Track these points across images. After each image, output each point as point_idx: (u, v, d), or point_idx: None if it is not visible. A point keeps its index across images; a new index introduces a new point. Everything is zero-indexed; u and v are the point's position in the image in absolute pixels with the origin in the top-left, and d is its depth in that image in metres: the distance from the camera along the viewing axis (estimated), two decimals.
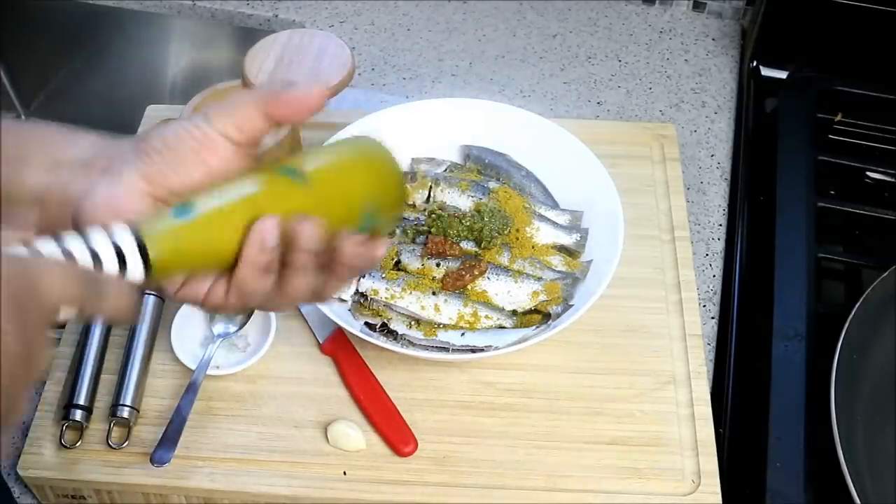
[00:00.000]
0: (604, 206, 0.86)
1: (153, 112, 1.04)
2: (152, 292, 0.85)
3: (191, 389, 0.79)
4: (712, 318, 0.91)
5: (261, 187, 0.51)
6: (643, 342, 0.85)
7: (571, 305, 0.82)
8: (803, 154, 0.99)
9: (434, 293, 0.82)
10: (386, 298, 0.82)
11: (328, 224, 0.51)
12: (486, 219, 0.84)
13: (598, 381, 0.82)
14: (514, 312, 0.83)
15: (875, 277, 0.84)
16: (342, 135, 0.85)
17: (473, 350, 0.80)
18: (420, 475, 0.77)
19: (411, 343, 0.81)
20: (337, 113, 0.99)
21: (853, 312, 0.81)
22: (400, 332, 0.81)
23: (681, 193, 0.96)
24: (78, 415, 0.79)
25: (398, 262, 0.85)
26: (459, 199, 0.89)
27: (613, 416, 0.80)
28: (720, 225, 0.99)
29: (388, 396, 0.81)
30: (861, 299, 0.82)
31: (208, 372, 0.81)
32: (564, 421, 0.80)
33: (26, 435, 0.79)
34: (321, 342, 0.85)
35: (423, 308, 0.81)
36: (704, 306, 0.91)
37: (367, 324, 0.82)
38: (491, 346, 0.80)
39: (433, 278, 0.83)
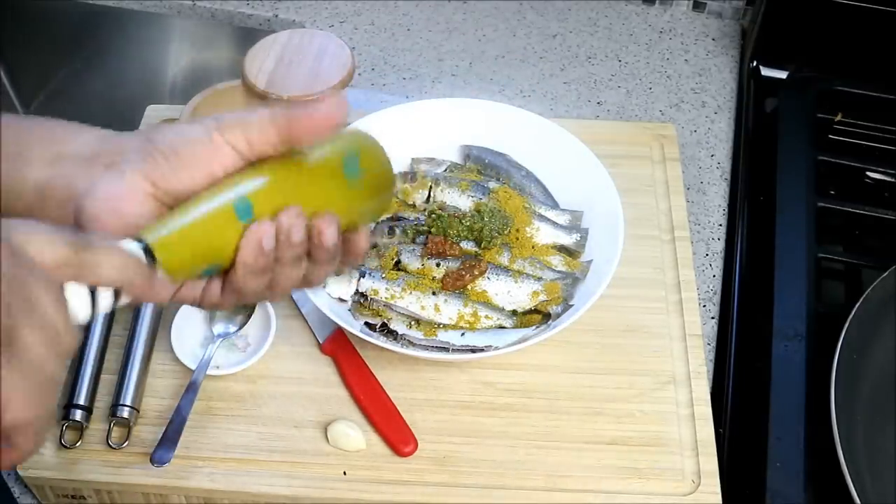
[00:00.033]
0: (604, 206, 0.86)
1: (153, 112, 1.04)
2: None
3: (191, 389, 0.79)
4: (712, 318, 0.91)
5: (258, 185, 0.51)
6: (643, 342, 0.85)
7: (571, 305, 0.82)
8: (803, 154, 0.99)
9: (434, 293, 0.82)
10: (386, 298, 0.82)
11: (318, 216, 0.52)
12: (486, 219, 0.84)
13: (598, 381, 0.82)
14: (514, 312, 0.83)
15: (875, 277, 0.84)
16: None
17: (473, 350, 0.80)
18: (420, 475, 0.77)
19: (411, 343, 0.81)
20: None
21: (853, 312, 0.81)
22: (400, 332, 0.81)
23: (681, 193, 0.96)
24: (78, 415, 0.79)
25: (398, 262, 0.85)
26: (459, 199, 0.89)
27: (613, 416, 0.80)
28: (720, 225, 0.99)
29: (388, 396, 0.81)
30: (861, 299, 0.82)
31: (208, 372, 0.81)
32: (564, 421, 0.80)
33: None
34: (321, 342, 0.85)
35: (423, 308, 0.81)
36: (704, 306, 0.91)
37: (367, 324, 0.82)
38: (491, 346, 0.80)
39: (433, 278, 0.83)
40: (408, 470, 0.77)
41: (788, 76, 1.10)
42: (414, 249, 0.85)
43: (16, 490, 0.79)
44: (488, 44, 1.19)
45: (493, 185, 0.90)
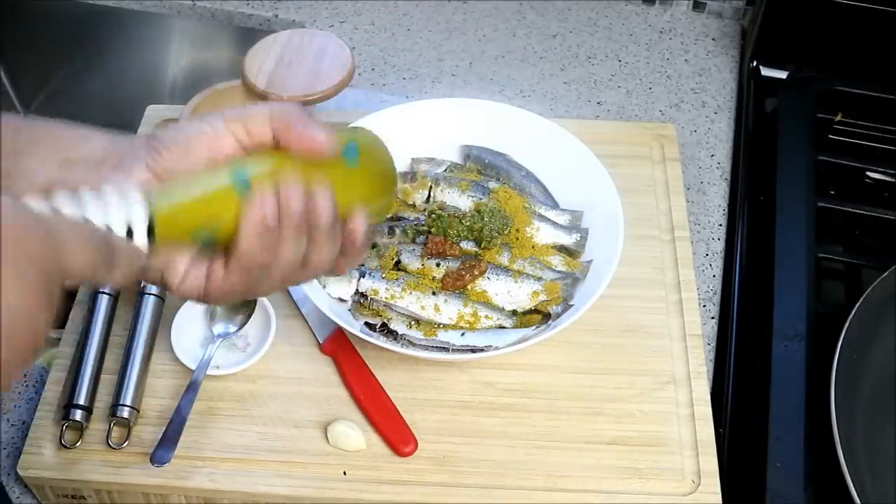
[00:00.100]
0: (604, 206, 0.86)
1: (153, 112, 1.04)
2: (153, 292, 0.85)
3: (191, 389, 0.79)
4: (712, 318, 0.91)
5: (257, 162, 0.51)
6: (643, 342, 0.85)
7: (571, 305, 0.82)
8: (803, 154, 0.99)
9: (434, 293, 0.82)
10: (386, 298, 0.82)
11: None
12: (486, 219, 0.84)
13: (598, 381, 0.82)
14: (514, 312, 0.83)
15: (875, 277, 0.84)
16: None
17: (473, 350, 0.80)
18: (420, 475, 0.77)
19: (411, 343, 0.81)
20: (337, 113, 0.99)
21: (853, 312, 0.81)
22: (400, 332, 0.81)
23: (681, 193, 0.96)
24: (78, 415, 0.79)
25: (398, 262, 0.85)
26: (459, 199, 0.89)
27: (613, 416, 0.80)
28: (720, 225, 0.99)
29: (388, 396, 0.81)
30: (861, 299, 0.82)
31: (208, 372, 0.81)
32: (564, 421, 0.80)
33: (26, 435, 0.79)
34: (321, 342, 0.85)
35: (423, 308, 0.81)
36: (704, 306, 0.91)
37: (367, 324, 0.82)
38: (491, 346, 0.80)
39: (433, 278, 0.83)
40: (408, 470, 0.77)
41: (788, 76, 1.10)
42: (414, 249, 0.85)
43: (16, 490, 0.79)
44: (488, 44, 1.19)
45: (493, 185, 0.90)
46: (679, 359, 0.84)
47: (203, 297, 0.53)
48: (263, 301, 0.86)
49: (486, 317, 0.82)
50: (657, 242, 0.92)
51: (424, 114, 0.94)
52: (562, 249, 0.88)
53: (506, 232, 0.85)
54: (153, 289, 0.86)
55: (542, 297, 0.83)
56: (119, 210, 0.46)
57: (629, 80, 1.14)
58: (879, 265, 0.87)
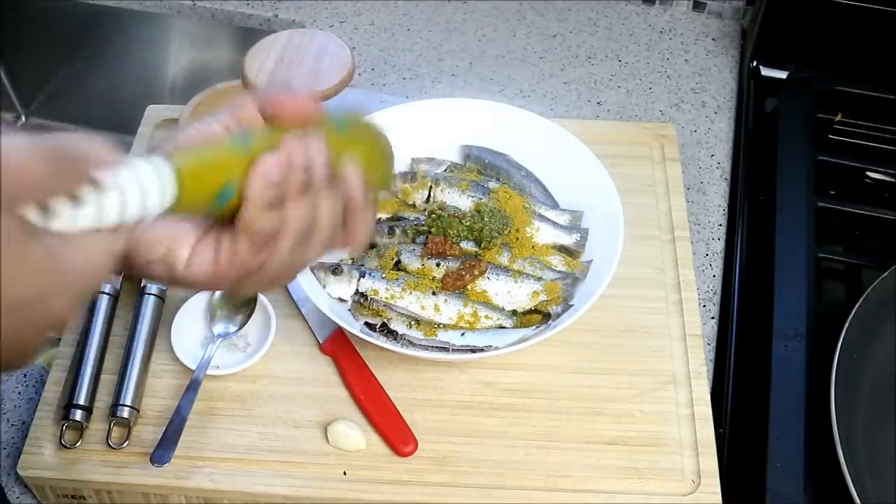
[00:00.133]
0: (604, 206, 0.86)
1: (153, 112, 1.04)
2: (153, 292, 0.85)
3: (191, 389, 0.79)
4: (712, 318, 0.91)
5: (254, 131, 0.52)
6: (643, 342, 0.85)
7: (571, 305, 0.82)
8: (803, 154, 0.99)
9: (434, 293, 0.82)
10: (386, 298, 0.82)
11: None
12: (486, 219, 0.84)
13: (598, 381, 0.82)
14: (514, 312, 0.83)
15: (875, 277, 0.84)
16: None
17: (473, 350, 0.80)
18: (420, 475, 0.77)
19: (411, 343, 0.81)
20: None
21: (853, 312, 0.81)
22: (400, 332, 0.81)
23: (681, 193, 0.96)
24: (78, 415, 0.79)
25: (398, 262, 0.85)
26: (459, 199, 0.89)
27: (613, 416, 0.80)
28: (720, 225, 0.99)
29: (388, 396, 0.81)
30: (861, 299, 0.82)
31: (208, 372, 0.81)
32: (564, 421, 0.80)
33: (26, 435, 0.79)
34: (321, 342, 0.85)
35: (423, 308, 0.81)
36: (704, 306, 0.91)
37: (367, 324, 0.82)
38: (491, 346, 0.80)
39: (433, 278, 0.83)
40: (408, 470, 0.77)
41: (788, 76, 1.10)
42: (414, 249, 0.85)
43: (16, 490, 0.79)
44: (488, 44, 1.19)
45: (493, 185, 0.90)
46: (679, 359, 0.84)
47: (211, 281, 0.53)
48: (263, 301, 0.86)
49: (486, 317, 0.82)
50: (657, 242, 0.92)
51: (424, 114, 0.94)
52: (562, 249, 0.88)
53: (506, 232, 0.85)
54: (153, 289, 0.86)
55: (542, 297, 0.83)
56: (145, 170, 0.45)
57: (629, 80, 1.14)
58: (879, 265, 0.87)
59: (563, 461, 0.78)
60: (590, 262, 0.86)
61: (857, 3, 1.03)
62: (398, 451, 0.78)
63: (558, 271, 0.86)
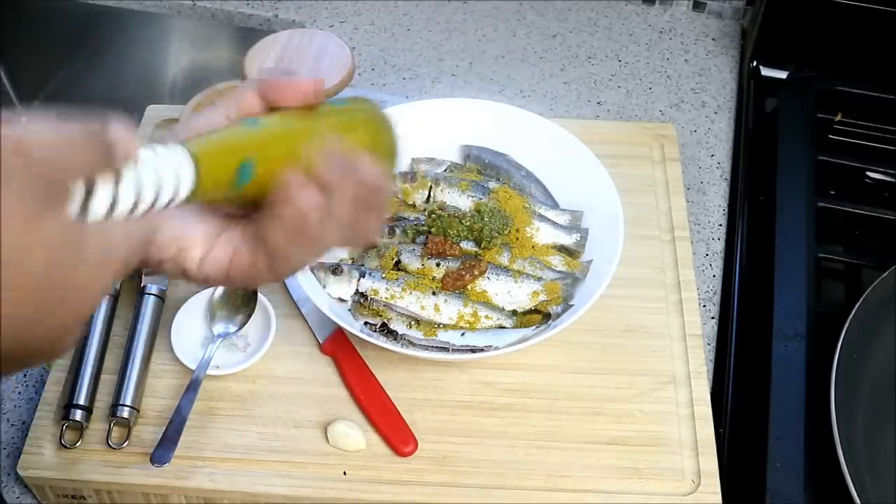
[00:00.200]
0: (604, 206, 0.86)
1: (153, 112, 1.04)
2: (153, 292, 0.85)
3: (191, 389, 0.79)
4: (712, 318, 0.91)
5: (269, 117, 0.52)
6: (643, 342, 0.85)
7: (571, 305, 0.82)
8: (803, 154, 0.99)
9: (434, 293, 0.82)
10: (386, 298, 0.82)
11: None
12: (486, 219, 0.84)
13: (598, 381, 0.82)
14: (514, 312, 0.83)
15: (875, 277, 0.84)
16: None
17: (473, 350, 0.80)
18: (420, 475, 0.77)
19: (411, 343, 0.81)
20: None
21: (853, 312, 0.81)
22: (400, 332, 0.81)
23: (681, 193, 0.96)
24: (78, 415, 0.79)
25: (398, 262, 0.85)
26: (459, 199, 0.89)
27: (613, 416, 0.80)
28: (720, 225, 0.99)
29: (388, 396, 0.81)
30: (861, 299, 0.82)
31: (208, 372, 0.81)
32: (564, 421, 0.80)
33: (26, 435, 0.79)
34: (321, 342, 0.85)
35: (423, 308, 0.81)
36: (704, 306, 0.91)
37: (367, 324, 0.82)
38: (491, 346, 0.80)
39: (433, 278, 0.83)
40: (408, 470, 0.77)
41: (788, 76, 1.10)
42: (414, 249, 0.85)
43: (16, 490, 0.79)
44: (488, 44, 1.19)
45: (493, 185, 0.90)
46: (679, 359, 0.84)
47: (223, 281, 0.52)
48: (263, 301, 0.86)
49: (486, 317, 0.82)
50: (657, 242, 0.92)
51: (424, 114, 0.94)
52: (562, 249, 0.88)
53: (506, 232, 0.85)
54: (153, 289, 0.86)
55: (542, 297, 0.83)
56: (165, 154, 0.45)
57: (629, 80, 1.14)
58: (879, 265, 0.87)
59: (563, 461, 0.78)
60: (590, 262, 0.86)
61: (857, 3, 1.03)
62: (398, 451, 0.78)
63: (558, 271, 0.86)
